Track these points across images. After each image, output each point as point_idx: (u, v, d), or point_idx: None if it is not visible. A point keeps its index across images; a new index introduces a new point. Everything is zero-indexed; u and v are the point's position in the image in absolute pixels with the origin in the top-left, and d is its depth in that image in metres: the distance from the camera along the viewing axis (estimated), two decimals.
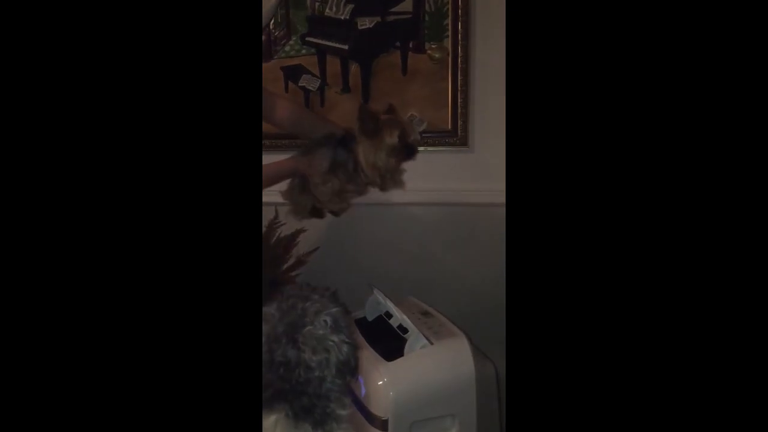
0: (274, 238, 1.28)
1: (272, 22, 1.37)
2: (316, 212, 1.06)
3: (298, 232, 1.29)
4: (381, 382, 0.90)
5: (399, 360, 0.93)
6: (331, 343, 0.70)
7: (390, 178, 0.97)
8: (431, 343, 0.95)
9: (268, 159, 0.99)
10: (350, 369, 0.72)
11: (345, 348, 0.71)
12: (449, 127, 1.36)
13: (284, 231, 1.30)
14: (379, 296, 1.10)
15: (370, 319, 1.13)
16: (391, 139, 0.93)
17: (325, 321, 0.70)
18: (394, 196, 1.35)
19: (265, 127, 1.07)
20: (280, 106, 1.02)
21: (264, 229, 1.29)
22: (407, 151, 0.95)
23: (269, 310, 0.72)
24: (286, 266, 1.29)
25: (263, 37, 1.38)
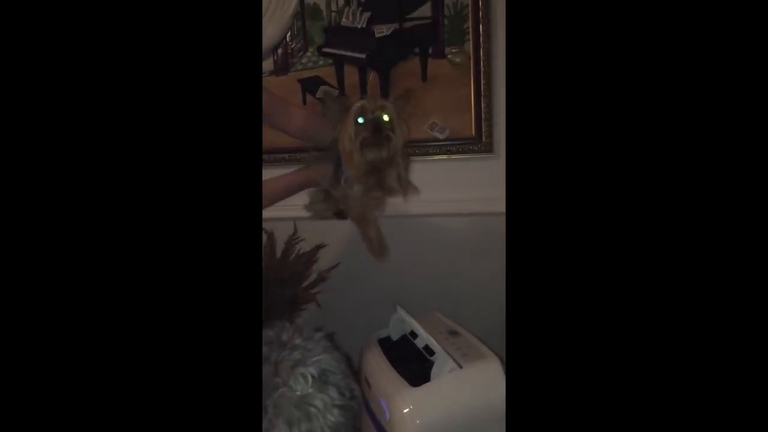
0: (293, 255, 1.25)
1: (288, 34, 1.35)
2: (341, 214, 1.00)
3: (318, 247, 1.26)
4: (406, 410, 0.84)
5: (425, 386, 0.86)
6: (313, 409, 0.51)
7: (382, 178, 0.84)
8: (460, 367, 0.88)
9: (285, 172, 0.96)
10: None
11: (334, 414, 0.52)
12: (473, 133, 1.30)
13: (303, 247, 1.27)
14: (404, 315, 1.04)
15: (394, 338, 1.08)
16: (351, 123, 0.81)
17: (304, 376, 0.51)
18: (418, 207, 1.30)
19: (283, 139, 1.04)
20: (295, 115, 0.99)
21: (283, 245, 1.25)
22: (372, 127, 0.80)
23: None
24: (306, 283, 1.24)
25: (280, 51, 1.36)
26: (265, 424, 0.48)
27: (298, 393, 0.51)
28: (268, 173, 0.84)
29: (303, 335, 0.56)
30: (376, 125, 0.81)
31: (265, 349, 0.53)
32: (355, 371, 0.59)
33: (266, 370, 0.51)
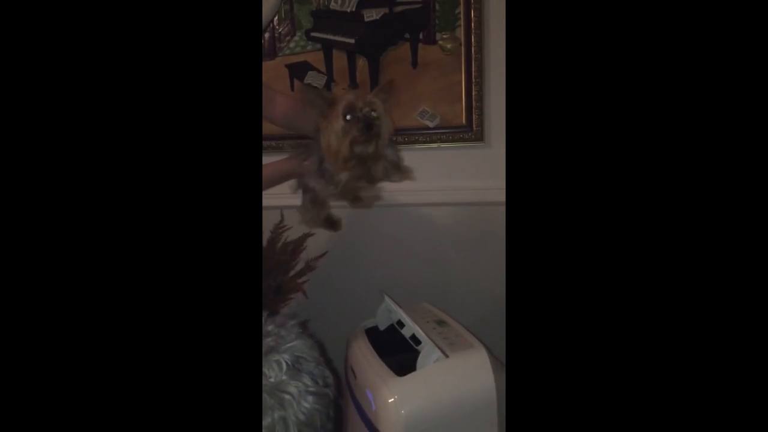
0: (280, 243, 1.23)
1: (276, 18, 1.31)
2: (331, 223, 0.99)
3: (306, 236, 1.23)
4: (391, 400, 0.83)
5: (411, 375, 0.85)
6: (287, 396, 0.49)
7: (374, 168, 0.83)
8: (446, 356, 0.87)
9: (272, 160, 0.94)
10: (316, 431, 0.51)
11: (308, 401, 0.50)
12: (463, 121, 1.28)
13: (291, 235, 1.24)
14: (391, 304, 1.02)
15: (381, 328, 1.06)
16: (338, 119, 0.79)
17: (278, 363, 0.50)
18: (407, 196, 1.29)
19: (270, 128, 1.02)
20: (278, 103, 0.96)
21: (269, 234, 1.23)
22: (364, 126, 0.79)
23: None
24: (293, 272, 1.22)
25: (267, 35, 1.33)
26: None
27: (272, 380, 0.50)
28: None
29: (276, 322, 0.54)
30: (367, 123, 0.79)
31: None
32: (328, 359, 0.58)
33: None
